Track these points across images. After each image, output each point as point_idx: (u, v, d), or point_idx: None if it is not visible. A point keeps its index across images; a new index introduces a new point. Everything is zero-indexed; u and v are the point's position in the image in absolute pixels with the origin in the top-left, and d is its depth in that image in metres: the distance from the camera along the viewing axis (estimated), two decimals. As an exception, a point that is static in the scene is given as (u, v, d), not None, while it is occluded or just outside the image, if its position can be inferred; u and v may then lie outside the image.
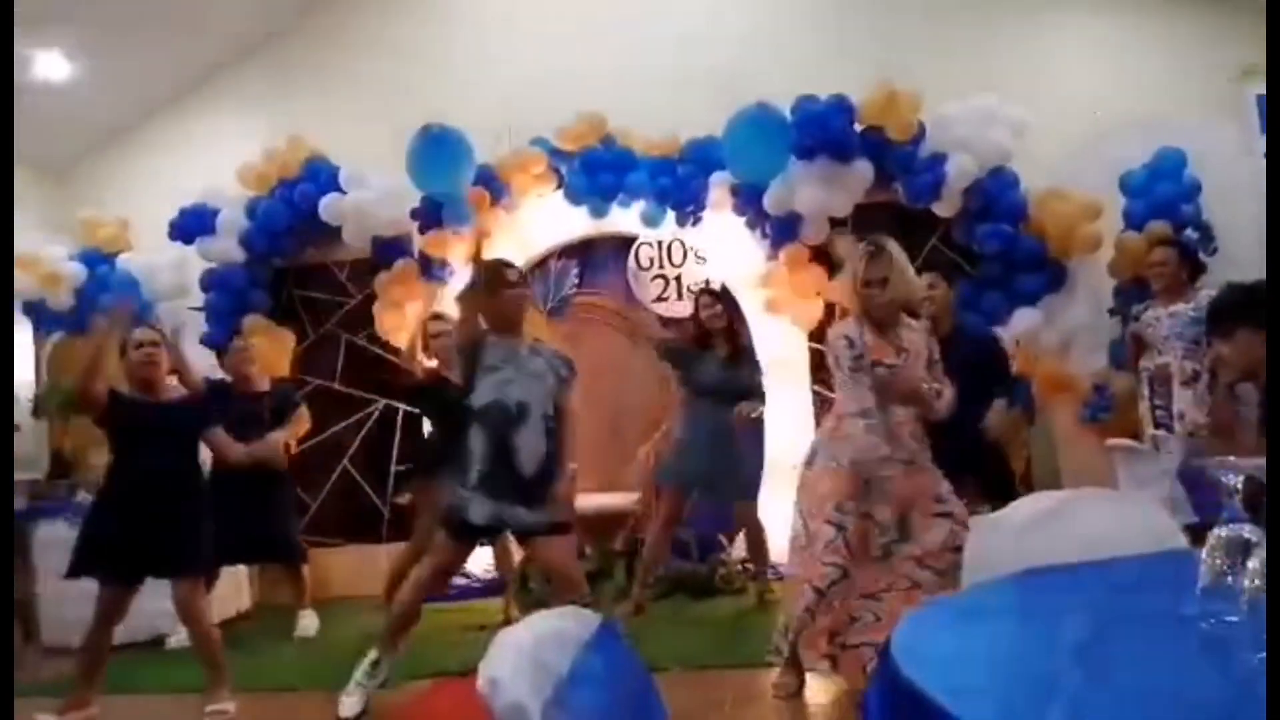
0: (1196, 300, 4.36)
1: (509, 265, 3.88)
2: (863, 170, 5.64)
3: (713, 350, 4.96)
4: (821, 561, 3.29)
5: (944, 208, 5.61)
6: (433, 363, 4.99)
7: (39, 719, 3.80)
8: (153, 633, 5.18)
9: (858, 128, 5.62)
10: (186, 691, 4.13)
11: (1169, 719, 1.02)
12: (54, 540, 5.49)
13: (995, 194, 5.50)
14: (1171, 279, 4.53)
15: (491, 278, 3.72)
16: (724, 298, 5.09)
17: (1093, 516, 1.79)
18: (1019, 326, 5.46)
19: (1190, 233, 5.13)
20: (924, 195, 5.60)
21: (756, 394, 4.94)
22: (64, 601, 5.34)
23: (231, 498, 4.65)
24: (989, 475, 4.11)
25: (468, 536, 3.66)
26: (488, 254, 3.73)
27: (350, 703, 3.55)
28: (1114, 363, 5.28)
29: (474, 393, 3.61)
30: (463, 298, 3.94)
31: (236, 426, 4.42)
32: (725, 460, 4.88)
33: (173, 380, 4.26)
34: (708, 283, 5.68)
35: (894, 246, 3.41)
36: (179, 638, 4.88)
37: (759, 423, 5.05)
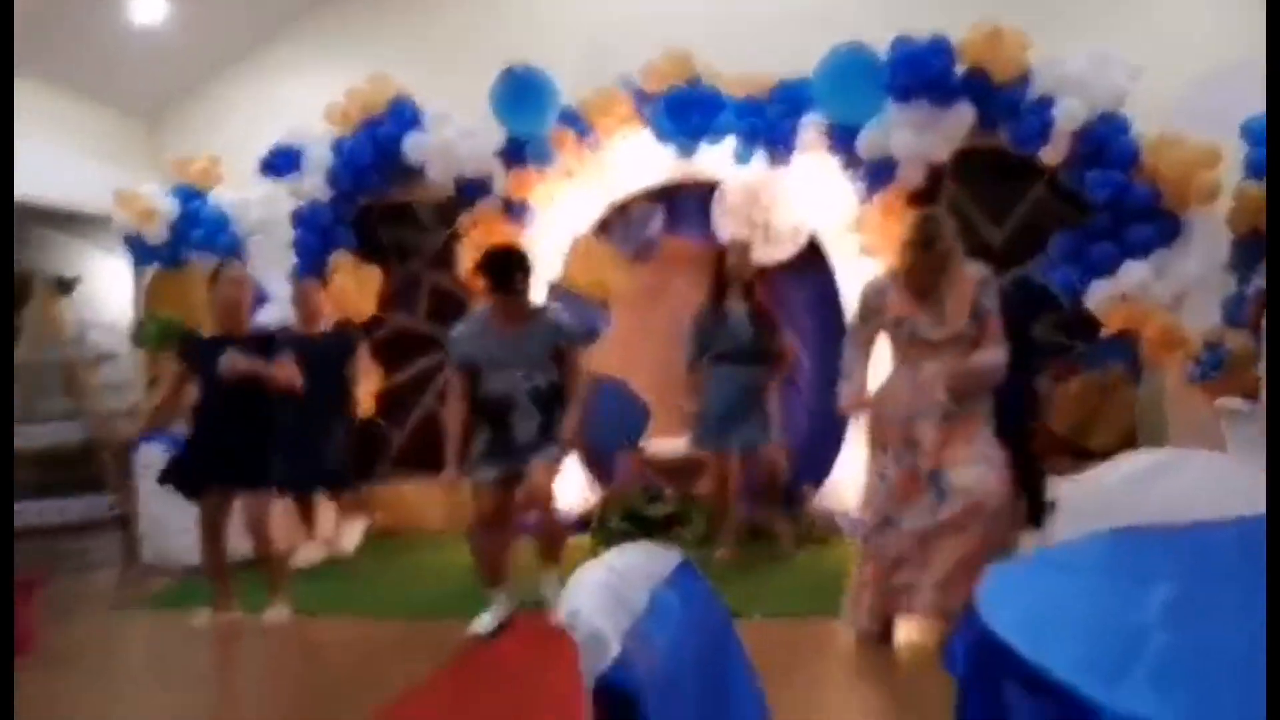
0: None
1: (514, 258, 4.12)
2: (963, 113, 5.41)
3: (726, 311, 4.95)
4: (865, 511, 3.52)
5: (1050, 154, 5.35)
6: None
7: (195, 614, 4.30)
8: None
9: (959, 69, 5.39)
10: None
11: (1248, 684, 0.98)
12: (152, 463, 5.75)
13: (1106, 139, 5.23)
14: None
15: (494, 272, 4.04)
16: (747, 250, 5.11)
17: (1192, 477, 1.72)
18: (1128, 280, 5.22)
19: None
20: (1030, 140, 5.36)
21: (773, 354, 5.01)
22: (164, 522, 5.67)
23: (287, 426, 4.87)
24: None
25: (484, 491, 4.00)
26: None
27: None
28: (1229, 320, 5.00)
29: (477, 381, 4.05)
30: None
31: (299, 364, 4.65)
32: (753, 416, 4.95)
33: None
34: (743, 239, 5.55)
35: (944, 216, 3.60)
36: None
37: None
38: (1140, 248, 5.25)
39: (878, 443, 3.61)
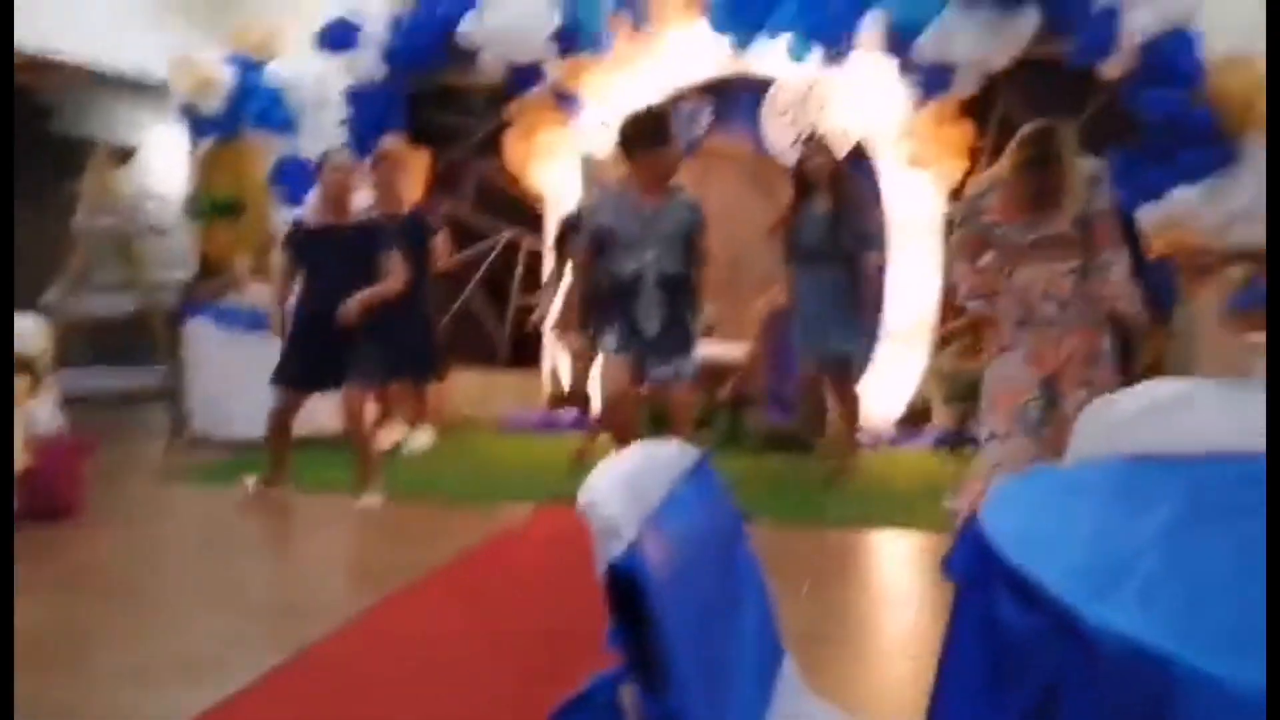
0: None
1: (663, 115, 3.95)
2: (1028, 19, 5.23)
3: (813, 205, 4.70)
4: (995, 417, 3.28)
5: (1112, 68, 5.18)
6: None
7: (246, 480, 4.49)
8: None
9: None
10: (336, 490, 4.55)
11: (1229, 608, 1.02)
12: (201, 335, 5.93)
13: (1170, 55, 5.03)
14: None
15: (641, 132, 3.81)
16: (826, 148, 4.78)
17: (1213, 409, 1.72)
18: (1176, 204, 5.09)
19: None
20: (1092, 52, 5.17)
21: (869, 247, 4.74)
22: (214, 397, 5.85)
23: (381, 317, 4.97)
24: None
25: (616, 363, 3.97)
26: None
27: None
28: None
29: (603, 258, 3.89)
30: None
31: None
32: (838, 322, 4.70)
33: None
34: (813, 132, 5.22)
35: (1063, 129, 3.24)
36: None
37: (877, 278, 4.84)
38: (1192, 172, 5.09)
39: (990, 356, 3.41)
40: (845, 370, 4.87)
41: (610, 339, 3.95)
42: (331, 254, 4.35)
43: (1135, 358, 3.83)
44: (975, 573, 1.23)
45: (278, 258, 4.68)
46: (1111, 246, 3.21)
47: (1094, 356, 3.20)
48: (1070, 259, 3.22)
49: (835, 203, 4.66)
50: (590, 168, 5.66)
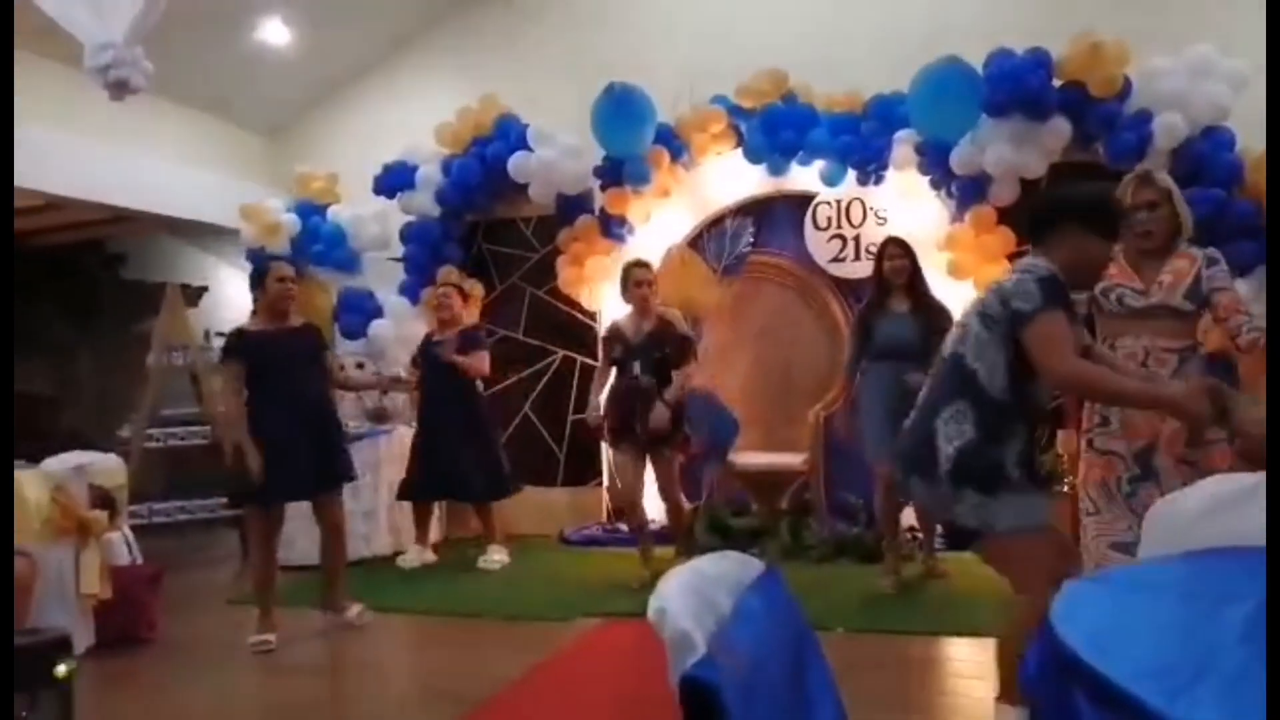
0: None
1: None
2: (1059, 128, 5.36)
3: (890, 307, 4.77)
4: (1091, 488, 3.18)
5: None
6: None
7: (352, 608, 4.51)
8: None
9: (1056, 83, 5.33)
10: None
11: None
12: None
13: (1208, 155, 5.11)
14: None
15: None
16: (909, 250, 4.84)
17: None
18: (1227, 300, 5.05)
19: None
20: (1127, 156, 5.25)
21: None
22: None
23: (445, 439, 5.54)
24: None
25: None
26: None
27: None
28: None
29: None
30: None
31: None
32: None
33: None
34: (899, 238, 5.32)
35: (1166, 178, 3.25)
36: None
37: None
38: (1241, 266, 5.08)
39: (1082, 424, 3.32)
40: None
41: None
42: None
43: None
44: (1050, 677, 1.23)
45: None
46: (1237, 315, 3.11)
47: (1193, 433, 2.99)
48: (1179, 336, 3.16)
49: (914, 302, 4.73)
50: None
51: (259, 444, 4.10)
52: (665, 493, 5.05)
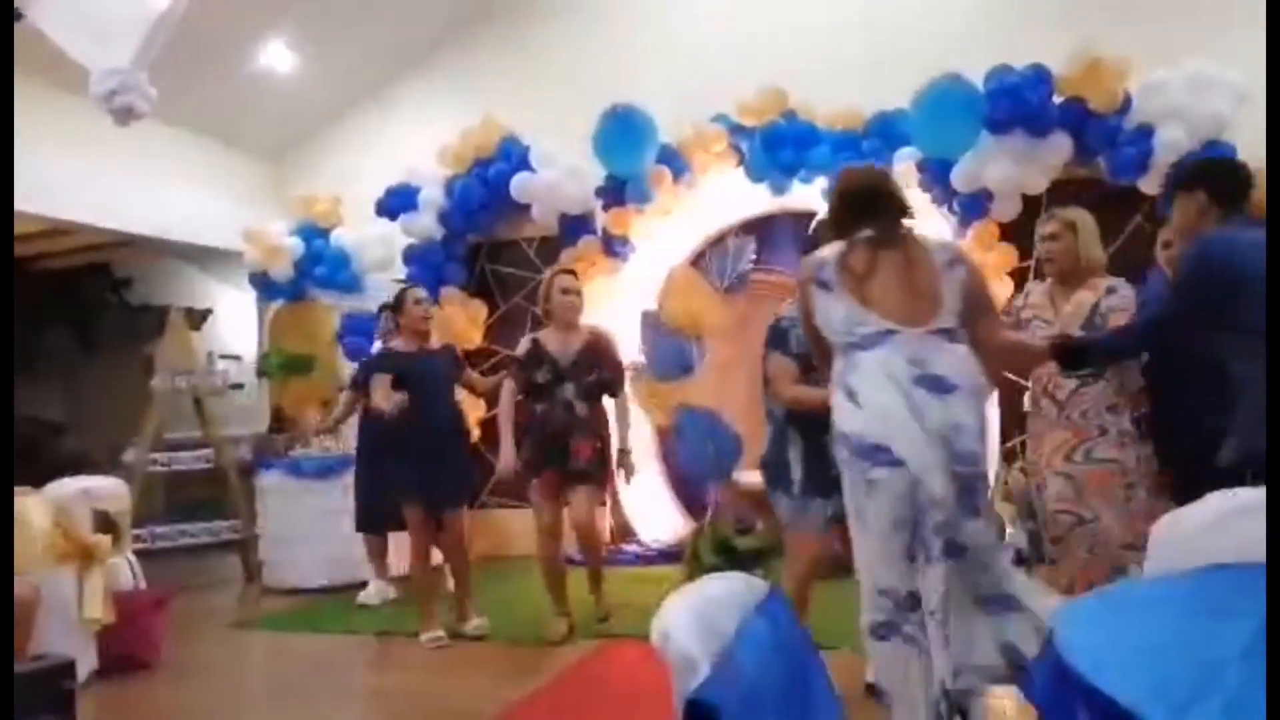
0: None
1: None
2: (1060, 144, 5.37)
3: None
4: (1054, 511, 3.37)
5: (1150, 184, 5.26)
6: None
7: (425, 636, 4.43)
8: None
9: (1056, 99, 5.35)
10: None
11: None
12: (272, 488, 6.10)
13: (1208, 168, 5.09)
14: None
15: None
16: None
17: None
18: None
19: None
20: (1128, 170, 5.28)
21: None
22: (284, 545, 5.98)
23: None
24: None
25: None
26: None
27: None
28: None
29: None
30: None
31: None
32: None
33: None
34: None
35: (1076, 213, 3.56)
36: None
37: None
38: (1244, 277, 5.08)
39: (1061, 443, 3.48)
40: None
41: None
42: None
43: None
44: (1054, 692, 1.22)
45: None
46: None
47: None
48: None
49: None
50: (650, 319, 5.89)
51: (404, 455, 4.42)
52: (583, 527, 4.41)
